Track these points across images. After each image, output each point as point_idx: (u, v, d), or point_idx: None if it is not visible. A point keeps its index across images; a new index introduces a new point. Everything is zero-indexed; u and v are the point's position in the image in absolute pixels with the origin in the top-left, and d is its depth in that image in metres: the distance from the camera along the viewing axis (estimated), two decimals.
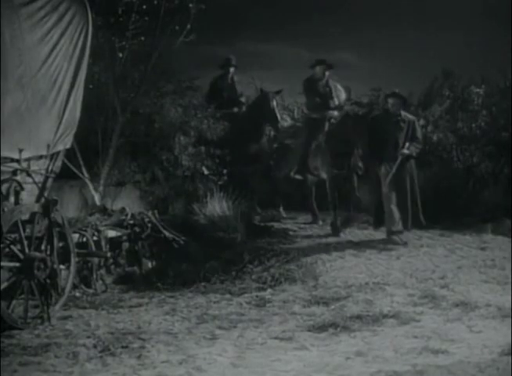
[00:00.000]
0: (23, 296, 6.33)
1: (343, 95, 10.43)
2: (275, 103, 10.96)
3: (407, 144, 9.28)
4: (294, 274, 8.05)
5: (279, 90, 11.25)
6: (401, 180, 9.21)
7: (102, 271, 8.21)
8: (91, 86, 11.61)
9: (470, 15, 14.85)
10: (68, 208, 10.49)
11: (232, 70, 11.74)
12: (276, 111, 10.94)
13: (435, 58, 14.67)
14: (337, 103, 10.28)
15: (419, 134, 9.52)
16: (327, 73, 10.31)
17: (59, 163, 6.95)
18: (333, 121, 10.14)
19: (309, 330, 6.09)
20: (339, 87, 10.46)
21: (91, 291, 7.81)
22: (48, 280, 6.47)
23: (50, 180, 6.86)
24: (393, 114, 9.38)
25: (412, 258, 8.79)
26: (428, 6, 15.47)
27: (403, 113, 9.45)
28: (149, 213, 9.31)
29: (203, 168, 12.70)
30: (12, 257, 6.29)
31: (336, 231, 9.69)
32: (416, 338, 5.77)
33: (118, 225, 8.84)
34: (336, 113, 10.20)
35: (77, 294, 7.57)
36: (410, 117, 9.60)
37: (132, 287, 8.26)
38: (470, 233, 10.07)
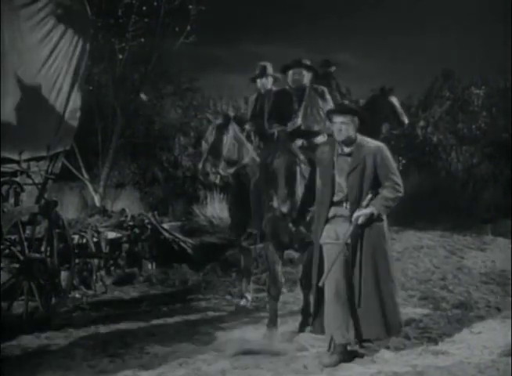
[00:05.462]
0: (23, 297, 6.33)
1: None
2: None
3: (369, 196, 5.24)
4: (294, 275, 8.03)
5: None
6: (364, 259, 5.23)
7: (102, 272, 8.21)
8: (91, 87, 11.66)
9: (470, 16, 14.88)
10: (68, 210, 10.54)
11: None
12: None
13: (435, 59, 14.71)
14: (298, 123, 6.49)
15: (393, 170, 5.33)
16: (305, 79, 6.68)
17: (58, 164, 6.93)
18: None
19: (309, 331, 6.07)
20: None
21: (91, 292, 7.81)
22: (48, 281, 6.47)
23: (50, 181, 6.84)
24: (346, 141, 5.31)
25: (412, 260, 8.78)
26: (428, 8, 15.50)
27: (360, 137, 5.38)
28: (149, 214, 9.31)
29: None
30: (12, 258, 6.30)
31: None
32: (416, 339, 5.76)
33: (118, 226, 8.85)
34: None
35: (77, 295, 7.57)
36: (374, 144, 5.40)
37: (132, 288, 8.26)
38: (471, 234, 10.08)
